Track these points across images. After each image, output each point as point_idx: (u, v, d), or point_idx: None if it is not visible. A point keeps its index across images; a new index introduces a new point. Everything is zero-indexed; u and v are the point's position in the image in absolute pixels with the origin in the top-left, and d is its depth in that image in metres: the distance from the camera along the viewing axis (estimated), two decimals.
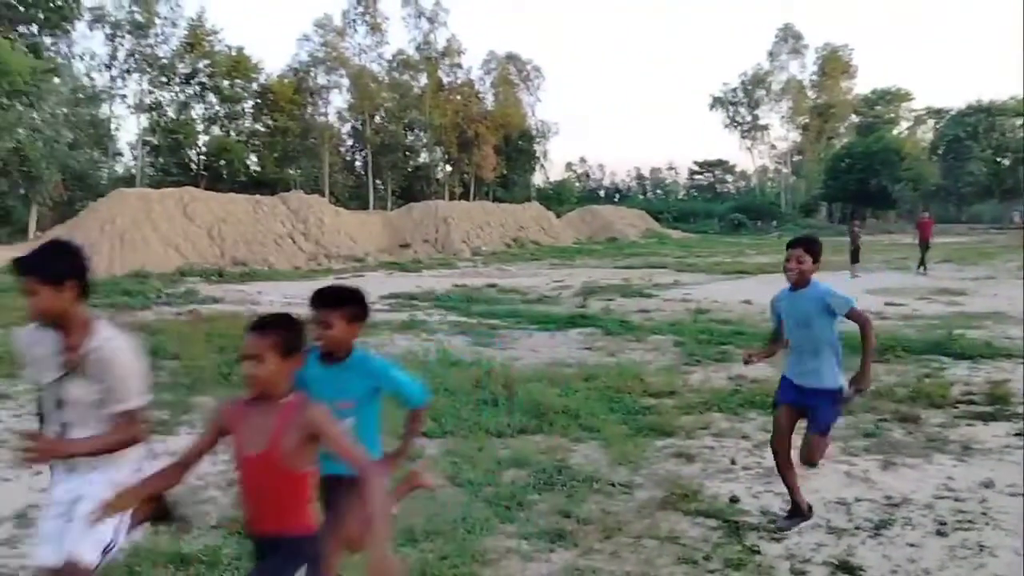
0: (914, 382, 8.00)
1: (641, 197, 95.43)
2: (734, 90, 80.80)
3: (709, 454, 5.87)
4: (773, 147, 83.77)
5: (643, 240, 49.90)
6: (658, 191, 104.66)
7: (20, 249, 20.81)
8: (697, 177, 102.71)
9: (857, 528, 4.47)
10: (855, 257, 22.47)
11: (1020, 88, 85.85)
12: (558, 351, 10.44)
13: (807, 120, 79.37)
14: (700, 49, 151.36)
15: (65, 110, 38.45)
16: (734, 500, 4.86)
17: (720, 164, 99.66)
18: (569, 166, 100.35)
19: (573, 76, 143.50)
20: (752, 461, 5.70)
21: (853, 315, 4.32)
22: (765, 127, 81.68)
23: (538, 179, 76.82)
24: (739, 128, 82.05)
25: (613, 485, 5.17)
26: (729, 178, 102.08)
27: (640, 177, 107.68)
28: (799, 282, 4.41)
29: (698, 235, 58.20)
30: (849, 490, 5.09)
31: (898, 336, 10.59)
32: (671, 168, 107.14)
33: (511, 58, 70.25)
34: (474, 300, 16.33)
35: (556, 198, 68.29)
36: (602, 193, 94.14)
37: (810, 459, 4.46)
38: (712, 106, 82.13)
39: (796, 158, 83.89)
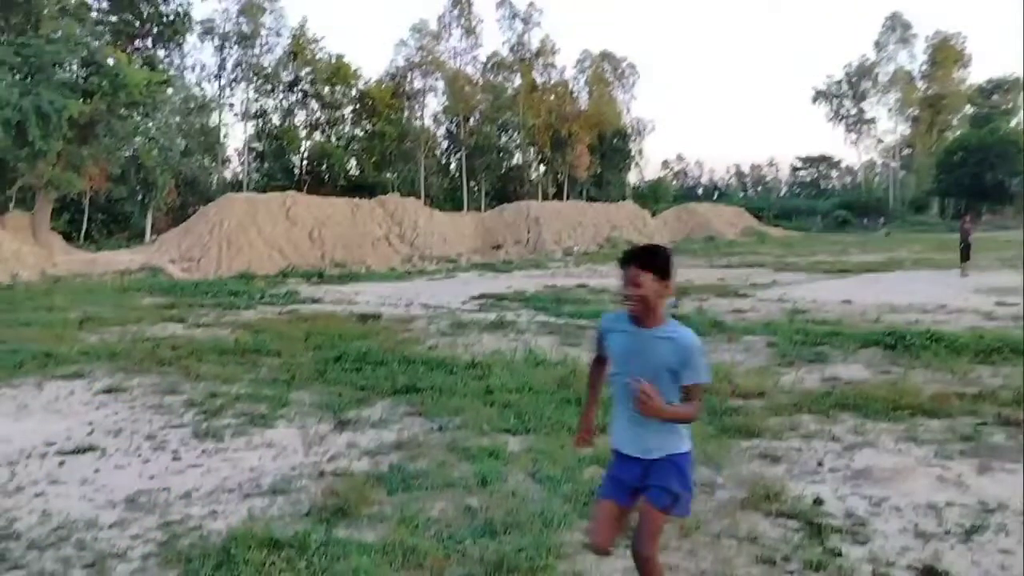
0: (1020, 385, 7.61)
1: (741, 195, 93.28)
2: (838, 82, 78.09)
3: (795, 455, 5.76)
4: (880, 141, 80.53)
5: (741, 239, 48.83)
6: (758, 188, 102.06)
7: (139, 251, 22.14)
8: (800, 173, 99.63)
9: (947, 533, 4.32)
10: (965, 255, 21.42)
11: None
12: None
13: (917, 112, 75.92)
14: (802, 41, 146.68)
15: (178, 119, 40.60)
16: (818, 502, 4.76)
17: (824, 159, 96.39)
18: (666, 164, 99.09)
19: (670, 72, 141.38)
20: (841, 463, 5.56)
21: (689, 393, 3.15)
22: (871, 120, 78.61)
23: (633, 178, 76.15)
24: (844, 122, 79.23)
25: (693, 484, 5.14)
26: (833, 174, 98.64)
27: (740, 174, 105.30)
28: (642, 313, 3.14)
29: (800, 233, 56.52)
30: (941, 494, 4.91)
31: (1006, 337, 10.07)
32: (772, 164, 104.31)
33: (605, 56, 69.92)
34: (563, 300, 16.38)
35: (652, 197, 67.54)
36: (700, 191, 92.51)
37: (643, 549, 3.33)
38: (815, 99, 79.63)
39: (905, 151, 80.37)
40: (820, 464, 5.55)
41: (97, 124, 27.73)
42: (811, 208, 72.58)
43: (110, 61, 27.27)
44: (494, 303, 16.28)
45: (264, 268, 25.29)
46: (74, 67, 27.23)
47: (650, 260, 3.13)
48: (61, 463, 5.82)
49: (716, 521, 4.53)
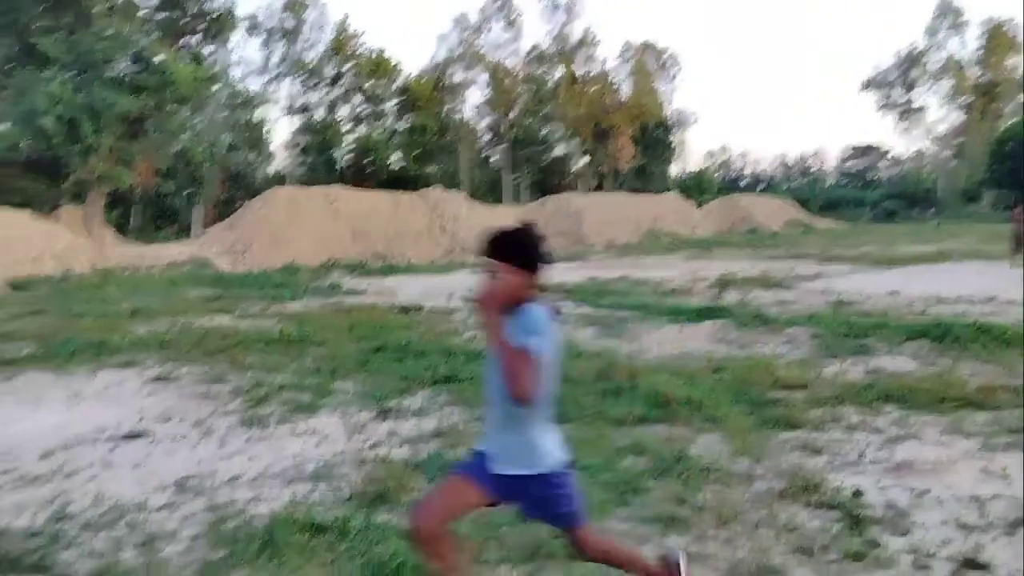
0: None
1: (786, 186, 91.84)
2: (887, 71, 76.39)
3: (836, 447, 5.71)
4: (930, 130, 78.64)
5: (786, 230, 48.15)
6: (804, 179, 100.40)
7: (187, 245, 22.67)
8: (847, 164, 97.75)
9: (989, 525, 4.26)
10: (1017, 246, 20.86)
11: None
12: (687, 343, 10.33)
13: (969, 100, 73.96)
14: (850, 29, 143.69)
15: (224, 115, 41.29)
16: (858, 493, 4.72)
17: (872, 149, 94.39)
18: (709, 155, 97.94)
19: (713, 62, 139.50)
20: (882, 455, 5.50)
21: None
22: (921, 109, 76.80)
23: (676, 169, 75.49)
24: (893, 111, 77.52)
25: (732, 475, 5.14)
26: (882, 164, 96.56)
27: (785, 165, 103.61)
28: (506, 311, 2.85)
29: (847, 224, 55.54)
30: (985, 487, 4.83)
31: None
32: (818, 155, 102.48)
33: (647, 47, 69.35)
34: (604, 292, 16.35)
35: (695, 188, 66.85)
36: (744, 182, 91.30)
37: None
38: (864, 89, 78.00)
39: (956, 141, 78.38)
40: (861, 456, 5.49)
41: (146, 120, 28.36)
42: (858, 199, 71.20)
43: (158, 58, 27.85)
44: None
45: (308, 260, 25.65)
46: (124, 64, 27.84)
47: (508, 250, 2.79)
48: (113, 448, 6.01)
49: (753, 511, 4.53)
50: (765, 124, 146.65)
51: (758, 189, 79.53)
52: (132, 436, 6.30)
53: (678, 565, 3.21)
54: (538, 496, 2.97)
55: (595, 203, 40.44)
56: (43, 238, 21.73)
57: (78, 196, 29.32)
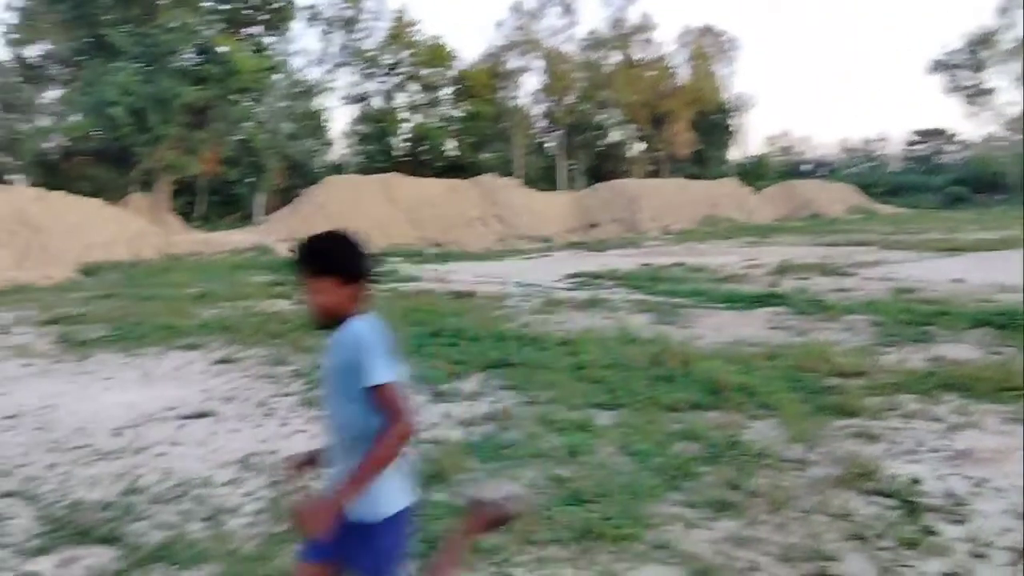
0: None
1: (848, 171, 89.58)
2: (955, 52, 73.75)
3: (893, 435, 5.63)
4: (1000, 113, 75.73)
5: (848, 216, 47.05)
6: (867, 164, 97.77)
7: (250, 232, 23.16)
8: (913, 148, 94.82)
9: None
10: None
11: None
12: (743, 330, 10.24)
13: None
14: (915, 10, 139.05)
15: (284, 104, 42.01)
16: (915, 481, 4.66)
17: (938, 133, 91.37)
18: (770, 140, 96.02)
19: (774, 45, 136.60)
20: (941, 444, 5.41)
21: (378, 401, 2.35)
22: (991, 91, 73.98)
23: (735, 154, 74.24)
24: (962, 93, 74.85)
25: (786, 461, 5.12)
26: (949, 148, 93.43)
27: (848, 149, 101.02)
28: (330, 325, 2.53)
29: (912, 210, 53.98)
30: None
31: None
32: (882, 139, 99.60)
33: (706, 31, 68.20)
34: (659, 279, 16.25)
35: (754, 174, 65.66)
36: (806, 167, 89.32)
37: None
38: (931, 71, 75.46)
39: None
40: (919, 444, 5.41)
41: (210, 109, 29.06)
42: (924, 184, 69.03)
43: (222, 49, 28.47)
44: (588, 282, 16.31)
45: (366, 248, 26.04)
46: (189, 55, 28.54)
47: (327, 262, 2.45)
48: (181, 426, 6.25)
49: (807, 497, 4.51)
50: (827, 108, 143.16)
51: (819, 175, 77.74)
52: (198, 415, 6.55)
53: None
54: (376, 546, 2.47)
55: (651, 189, 40.09)
56: (113, 225, 22.50)
57: (146, 184, 30.22)
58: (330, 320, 2.51)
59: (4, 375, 8.16)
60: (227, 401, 7.01)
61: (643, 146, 65.17)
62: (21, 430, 6.19)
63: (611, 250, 26.97)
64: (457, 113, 57.37)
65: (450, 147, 55.78)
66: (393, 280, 17.43)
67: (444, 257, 24.95)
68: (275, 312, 12.22)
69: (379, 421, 2.35)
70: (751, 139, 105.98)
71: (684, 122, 61.00)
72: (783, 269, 17.42)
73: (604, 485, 4.71)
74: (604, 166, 60.86)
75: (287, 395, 7.17)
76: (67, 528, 4.28)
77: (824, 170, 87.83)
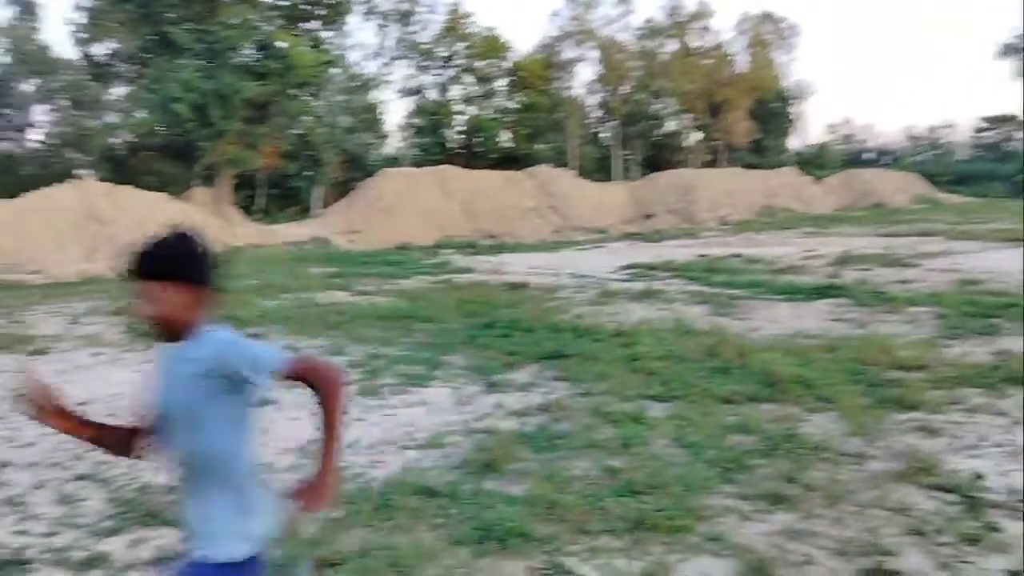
0: None
1: (913, 159, 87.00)
2: None
3: (955, 429, 5.50)
4: None
5: (912, 206, 45.75)
6: (933, 152, 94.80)
7: (308, 224, 23.55)
8: (980, 135, 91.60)
9: None
10: None
11: None
12: (801, 322, 10.08)
13: None
14: None
15: (342, 97, 42.55)
16: (978, 477, 4.55)
17: (1007, 119, 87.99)
18: (831, 128, 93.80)
19: (835, 32, 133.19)
20: (1006, 439, 5.26)
21: (294, 374, 2.10)
22: None
23: (795, 143, 72.73)
24: None
25: (844, 455, 5.04)
26: (1019, 135, 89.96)
27: (913, 137, 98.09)
28: (171, 337, 2.16)
29: (979, 199, 52.22)
30: None
31: None
32: (949, 126, 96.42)
33: (765, 17, 66.87)
34: (716, 270, 16.07)
35: (815, 163, 64.25)
36: (867, 156, 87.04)
37: None
38: (1000, 55, 72.76)
39: None
40: (982, 439, 5.28)
41: (270, 104, 29.60)
42: (992, 172, 66.59)
43: (281, 44, 28.97)
44: (643, 273, 16.21)
45: (420, 239, 26.29)
46: (249, 51, 29.11)
47: (169, 268, 2.12)
48: None
49: (865, 491, 4.45)
50: (891, 95, 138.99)
51: (882, 163, 75.68)
52: (260, 403, 6.70)
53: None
54: None
55: (708, 179, 39.57)
56: (177, 218, 23.11)
57: (208, 178, 30.94)
58: (171, 331, 2.13)
59: (76, 364, 8.49)
60: (287, 389, 7.17)
61: (699, 136, 64.33)
62: (92, 416, 6.42)
63: (667, 241, 26.72)
64: (511, 104, 57.37)
65: (504, 139, 55.83)
66: (447, 272, 17.57)
67: (498, 249, 25.04)
68: (332, 303, 12.45)
69: (241, 444, 2.16)
70: (811, 127, 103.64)
71: (742, 111, 60.00)
72: (843, 260, 17.05)
73: (657, 477, 4.71)
74: (660, 156, 60.26)
75: (346, 384, 7.30)
76: (136, 510, 4.45)
77: (887, 159, 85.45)
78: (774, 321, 10.19)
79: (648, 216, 35.03)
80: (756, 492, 4.49)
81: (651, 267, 17.00)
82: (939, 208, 44.13)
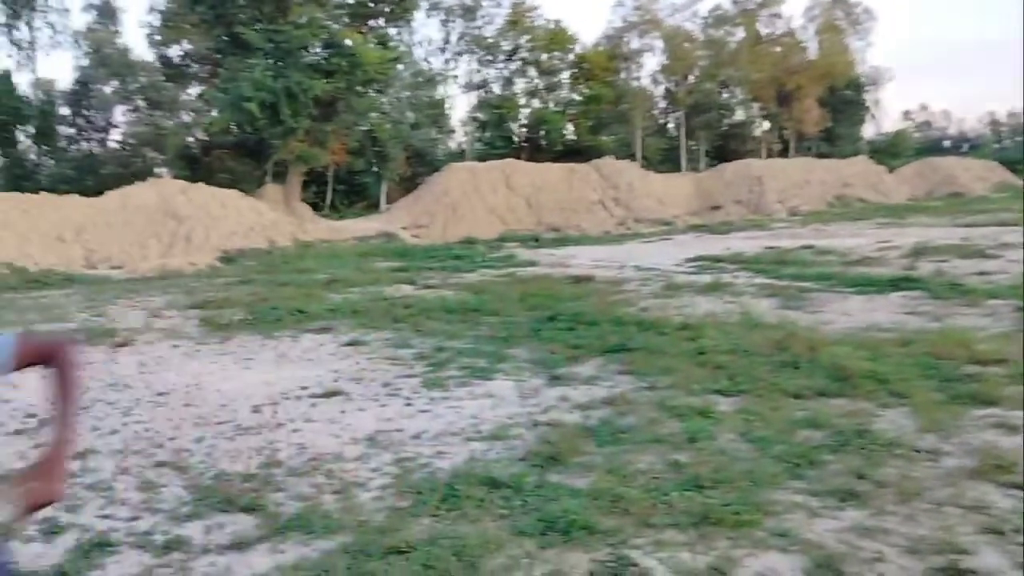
0: None
1: (994, 146, 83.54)
2: None
3: None
4: None
5: (992, 195, 44.00)
6: (1016, 139, 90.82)
7: (375, 220, 24.00)
8: None
9: None
10: None
11: None
12: (874, 315, 9.83)
13: None
14: None
15: (407, 94, 43.04)
16: None
17: None
18: (907, 115, 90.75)
19: (912, 14, 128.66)
20: None
21: (27, 356, 1.99)
22: None
23: (869, 131, 70.64)
24: None
25: (917, 451, 4.91)
26: None
27: (995, 123, 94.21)
28: None
29: None
30: None
31: None
32: None
33: (837, 2, 65.04)
34: (785, 262, 15.76)
35: (889, 151, 62.32)
36: (947, 144, 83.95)
37: None
38: None
39: None
40: None
41: (338, 102, 30.11)
42: None
43: (348, 42, 29.43)
44: (710, 265, 16.00)
45: (484, 233, 26.44)
46: (317, 49, 29.66)
47: None
48: (313, 404, 6.60)
49: (939, 489, 4.32)
50: (970, 81, 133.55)
51: (961, 151, 72.91)
52: (329, 394, 6.88)
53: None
54: None
55: (777, 169, 38.76)
56: (250, 215, 23.75)
57: (279, 176, 31.69)
58: None
59: (156, 356, 8.82)
60: (355, 381, 7.34)
61: (768, 125, 63.01)
62: (172, 406, 6.69)
63: (734, 233, 26.30)
64: (576, 97, 57.11)
65: (568, 131, 55.63)
66: (511, 265, 17.64)
67: (562, 242, 25.01)
68: (399, 297, 12.64)
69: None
70: (886, 115, 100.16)
71: (813, 99, 58.50)
72: (919, 251, 16.52)
73: (723, 471, 4.66)
74: (727, 146, 59.27)
75: (410, 376, 7.43)
76: (213, 497, 4.62)
77: (966, 146, 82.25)
78: (846, 314, 9.95)
79: (715, 208, 34.51)
80: (825, 488, 4.41)
81: (718, 259, 16.77)
82: (1021, 197, 42.31)
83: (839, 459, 4.85)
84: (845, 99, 61.84)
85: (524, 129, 55.26)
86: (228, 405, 6.63)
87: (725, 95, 61.61)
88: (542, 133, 53.43)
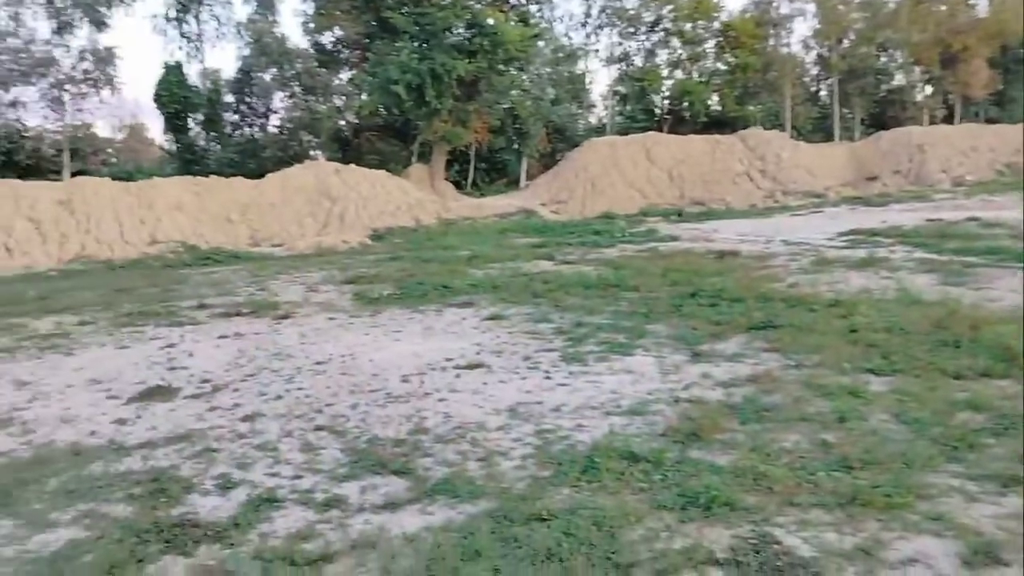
0: None
1: None
2: None
3: None
4: None
5: None
6: None
7: (515, 196, 24.24)
8: None
9: None
10: None
11: None
12: None
13: None
14: None
15: (548, 70, 43.04)
16: None
17: None
18: None
19: None
20: None
21: None
22: None
23: None
24: None
25: None
26: None
27: None
28: None
29: None
30: None
31: None
32: None
33: None
34: (948, 236, 14.76)
35: None
36: None
37: None
38: None
39: None
40: None
41: (480, 81, 30.55)
42: None
43: (490, 21, 29.73)
44: (865, 239, 15.22)
45: (624, 208, 26.21)
46: (460, 30, 30.16)
47: None
48: (457, 376, 6.85)
49: None
50: None
51: None
52: (472, 366, 7.11)
53: None
54: None
55: (939, 137, 36.16)
56: (397, 194, 24.61)
57: (424, 155, 32.56)
58: None
59: (314, 327, 9.37)
60: (497, 354, 7.54)
61: (930, 90, 58.78)
62: (329, 374, 7.12)
63: (892, 205, 24.83)
64: (721, 66, 55.39)
65: (713, 102, 54.08)
66: (652, 240, 17.44)
67: (706, 216, 24.43)
68: (538, 272, 12.80)
69: None
70: None
71: (982, 59, 54.04)
72: None
73: (874, 452, 4.51)
74: (885, 113, 55.80)
75: (550, 350, 7.55)
76: (367, 460, 4.91)
77: None
78: (1015, 291, 9.25)
79: (871, 178, 32.65)
80: (985, 473, 4.19)
81: (873, 233, 15.92)
82: None
83: (1001, 443, 4.60)
84: (1018, 59, 56.70)
85: (666, 101, 54.15)
86: (379, 374, 6.98)
87: (883, 59, 57.93)
88: (685, 105, 52.16)
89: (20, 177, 23.40)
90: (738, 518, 3.83)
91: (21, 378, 7.37)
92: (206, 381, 6.98)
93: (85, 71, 30.97)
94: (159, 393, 6.66)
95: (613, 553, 3.56)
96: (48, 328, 9.77)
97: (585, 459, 4.67)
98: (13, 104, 31.29)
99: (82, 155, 32.93)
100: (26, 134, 31.82)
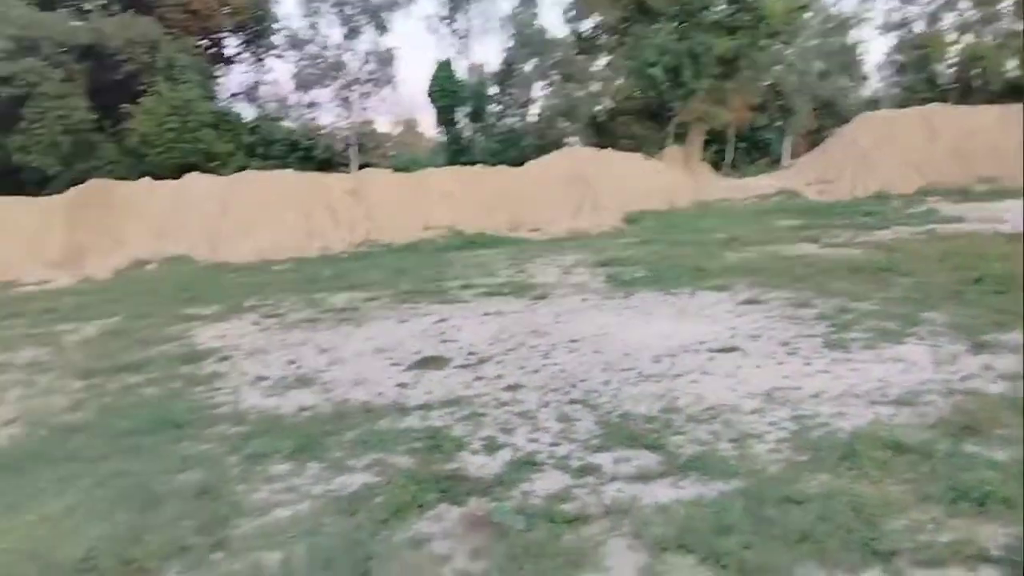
0: None
1: None
2: None
3: None
4: None
5: None
6: None
7: (777, 176, 23.25)
8: None
9: None
10: None
11: None
12: None
13: None
14: None
15: (815, 42, 40.56)
16: None
17: None
18: None
19: None
20: None
21: None
22: None
23: None
24: None
25: None
26: None
27: None
28: None
29: None
30: None
31: None
32: None
33: None
34: None
35: None
36: None
37: None
38: None
39: None
40: None
41: (740, 58, 29.57)
42: None
43: None
44: None
45: (900, 187, 24.15)
46: (721, 7, 29.36)
47: None
48: (710, 358, 6.84)
49: None
50: None
51: None
52: (726, 349, 7.06)
53: None
54: None
55: None
56: (651, 177, 24.62)
57: (679, 137, 32.18)
58: None
59: (568, 308, 9.75)
60: (752, 339, 7.41)
61: None
62: (582, 352, 7.42)
63: None
64: (1020, 27, 48.94)
65: (1010, 68, 48.04)
66: (932, 221, 15.99)
67: (997, 195, 21.86)
68: (800, 255, 12.27)
69: None
70: None
71: None
72: None
73: None
74: None
75: (810, 336, 7.28)
76: (619, 433, 5.11)
77: None
78: None
79: None
80: None
81: None
82: None
83: None
84: None
85: (952, 69, 49.00)
86: (631, 354, 7.16)
87: None
88: (975, 72, 46.87)
89: (317, 170, 26.38)
90: (1015, 516, 3.55)
91: (321, 345, 8.44)
92: (472, 353, 7.57)
93: (369, 72, 34.20)
94: (433, 362, 7.34)
95: (872, 539, 3.46)
96: (342, 303, 11.04)
97: (845, 446, 4.53)
98: (311, 105, 35.38)
99: (365, 149, 36.39)
100: (321, 131, 35.77)
